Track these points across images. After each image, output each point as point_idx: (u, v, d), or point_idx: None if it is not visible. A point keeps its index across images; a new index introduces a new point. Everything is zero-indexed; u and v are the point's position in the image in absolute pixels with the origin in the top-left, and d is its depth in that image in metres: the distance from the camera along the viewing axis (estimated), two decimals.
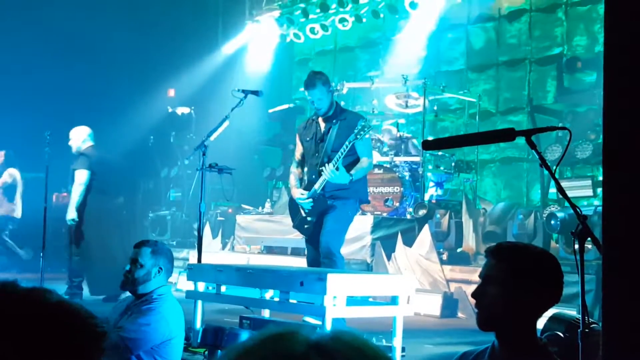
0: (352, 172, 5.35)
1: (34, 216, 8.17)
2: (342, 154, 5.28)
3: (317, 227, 5.49)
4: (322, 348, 0.82)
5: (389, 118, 9.67)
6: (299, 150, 5.76)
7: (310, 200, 5.45)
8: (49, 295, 1.13)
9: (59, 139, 7.63)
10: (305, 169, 5.70)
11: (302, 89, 5.96)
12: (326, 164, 5.33)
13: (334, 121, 5.48)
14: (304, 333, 0.84)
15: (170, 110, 11.68)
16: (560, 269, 2.13)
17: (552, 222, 6.80)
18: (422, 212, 8.04)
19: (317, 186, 5.40)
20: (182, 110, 11.64)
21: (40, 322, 1.08)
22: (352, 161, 5.42)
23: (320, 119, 5.58)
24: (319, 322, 4.06)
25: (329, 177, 5.29)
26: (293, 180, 5.68)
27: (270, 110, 11.35)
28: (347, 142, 5.26)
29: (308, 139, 5.61)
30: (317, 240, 5.45)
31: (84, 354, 1.10)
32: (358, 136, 5.22)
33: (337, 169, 5.25)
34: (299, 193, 5.52)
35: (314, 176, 5.48)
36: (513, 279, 2.08)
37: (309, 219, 5.52)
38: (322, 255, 5.30)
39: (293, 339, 0.83)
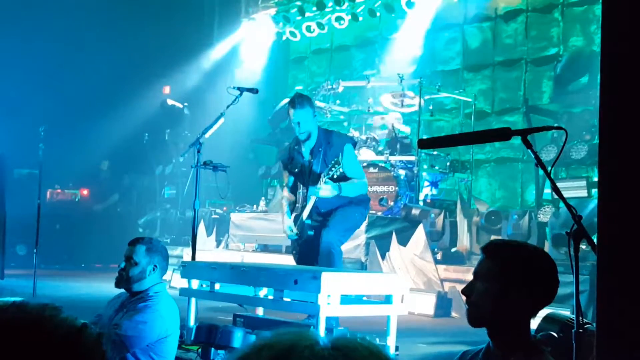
0: (342, 183, 5.08)
1: (27, 213, 8.13)
2: (327, 173, 5.01)
3: (305, 252, 5.34)
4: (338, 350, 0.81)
5: (385, 114, 9.67)
6: (287, 175, 5.55)
7: (296, 232, 5.28)
8: (48, 317, 1.10)
9: (53, 135, 7.60)
10: (299, 193, 5.45)
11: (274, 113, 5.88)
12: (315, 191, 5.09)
13: (319, 150, 5.17)
14: (302, 344, 0.82)
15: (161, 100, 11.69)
16: (554, 269, 2.12)
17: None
18: (403, 212, 8.11)
19: (304, 215, 5.21)
20: (172, 102, 11.62)
21: (37, 344, 1.06)
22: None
23: (304, 150, 5.27)
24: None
25: (317, 193, 5.03)
26: (285, 207, 5.45)
27: (270, 118, 11.32)
28: (332, 161, 5.00)
29: (296, 170, 5.37)
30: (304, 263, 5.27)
31: None
32: (339, 161, 4.97)
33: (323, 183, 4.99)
34: (286, 226, 5.34)
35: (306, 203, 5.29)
36: (501, 276, 2.07)
37: (293, 251, 5.47)
38: (321, 251, 5.11)
39: (291, 349, 0.82)
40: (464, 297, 2.17)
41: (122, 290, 3.59)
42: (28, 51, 10.57)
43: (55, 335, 1.06)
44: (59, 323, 1.08)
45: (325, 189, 5.03)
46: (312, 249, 5.21)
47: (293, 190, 5.51)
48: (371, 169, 8.48)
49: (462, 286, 2.19)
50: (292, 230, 5.30)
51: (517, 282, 2.06)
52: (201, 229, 9.38)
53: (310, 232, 5.25)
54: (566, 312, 4.05)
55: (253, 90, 5.87)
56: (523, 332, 2.10)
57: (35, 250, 7.03)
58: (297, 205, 5.43)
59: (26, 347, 1.04)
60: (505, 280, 2.06)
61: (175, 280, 7.58)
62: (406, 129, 9.41)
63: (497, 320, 2.08)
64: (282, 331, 0.85)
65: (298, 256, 5.46)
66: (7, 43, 10.35)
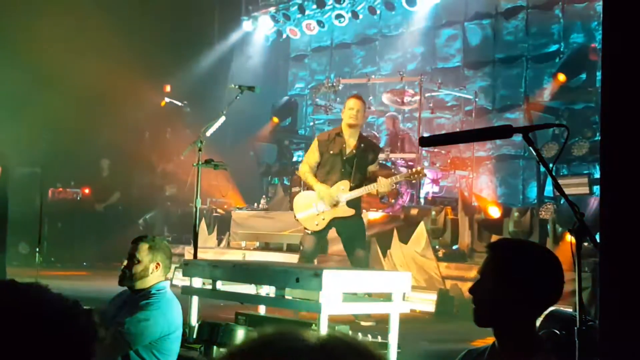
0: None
1: (29, 211, 8.14)
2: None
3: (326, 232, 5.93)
4: (324, 347, 0.82)
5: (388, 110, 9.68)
6: (315, 158, 5.97)
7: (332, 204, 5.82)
8: (44, 293, 1.11)
9: (54, 134, 7.61)
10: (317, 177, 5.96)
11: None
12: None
13: (361, 144, 5.93)
14: (304, 333, 0.84)
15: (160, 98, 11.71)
16: (559, 268, 2.11)
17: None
18: (402, 215, 8.13)
19: (349, 196, 5.81)
20: (169, 100, 11.61)
21: (36, 320, 1.06)
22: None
23: (346, 138, 5.89)
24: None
25: (385, 187, 5.75)
26: (314, 178, 5.90)
27: (277, 121, 11.33)
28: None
29: (332, 152, 5.88)
30: (320, 239, 5.94)
31: (78, 349, 1.10)
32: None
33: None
34: (322, 188, 5.82)
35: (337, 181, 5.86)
36: (507, 275, 2.07)
37: (322, 218, 5.80)
38: None
39: (294, 337, 0.83)
40: (468, 297, 2.17)
41: (125, 288, 3.60)
42: (30, 49, 10.57)
43: (49, 310, 1.07)
44: (51, 299, 1.09)
45: (388, 187, 5.80)
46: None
47: (314, 173, 5.97)
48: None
49: (464, 284, 2.20)
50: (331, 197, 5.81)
51: (523, 281, 2.05)
52: (202, 228, 9.38)
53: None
54: (569, 310, 4.04)
55: (253, 89, 5.88)
56: (529, 331, 2.09)
57: (37, 249, 7.04)
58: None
59: (20, 323, 1.05)
60: (511, 279, 2.05)
61: (177, 279, 7.58)
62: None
63: (504, 320, 2.07)
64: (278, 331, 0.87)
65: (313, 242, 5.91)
66: (9, 41, 10.35)
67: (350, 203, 5.84)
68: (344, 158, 5.84)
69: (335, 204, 5.78)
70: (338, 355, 0.82)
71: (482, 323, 2.11)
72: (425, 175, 6.79)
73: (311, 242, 5.89)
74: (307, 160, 6.04)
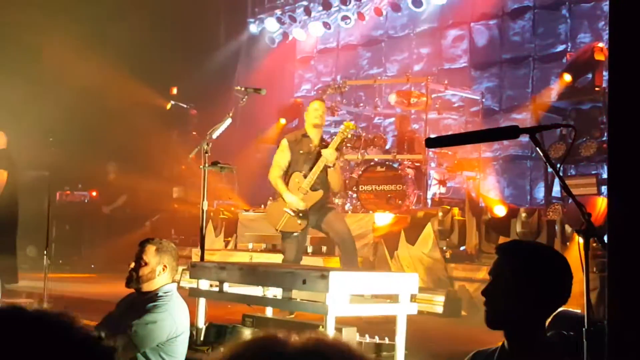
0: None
1: (37, 214, 8.17)
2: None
3: (314, 221, 6.09)
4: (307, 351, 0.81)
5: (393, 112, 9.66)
6: (286, 158, 6.12)
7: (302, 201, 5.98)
8: (70, 325, 1.10)
9: (61, 137, 7.63)
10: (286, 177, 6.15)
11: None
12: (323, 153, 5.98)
13: (322, 143, 6.14)
14: (285, 338, 0.83)
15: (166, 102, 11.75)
16: (568, 269, 2.12)
17: None
18: (408, 217, 8.14)
19: (305, 185, 5.98)
20: (175, 102, 11.63)
21: (58, 353, 1.06)
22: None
23: (312, 138, 6.11)
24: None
25: (329, 155, 5.91)
26: (284, 186, 6.05)
27: (284, 123, 11.35)
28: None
29: (301, 152, 6.08)
30: (301, 240, 6.15)
31: None
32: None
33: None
34: (291, 197, 5.98)
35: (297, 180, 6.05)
36: (518, 277, 2.07)
37: (301, 214, 5.96)
38: (350, 248, 6.05)
39: (273, 343, 0.82)
40: (476, 298, 2.18)
41: (132, 290, 3.60)
42: (36, 53, 10.61)
43: (71, 341, 1.06)
44: (76, 331, 1.08)
45: (333, 154, 5.95)
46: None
47: (285, 173, 6.18)
48: (378, 168, 8.48)
49: (472, 285, 2.20)
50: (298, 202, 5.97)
51: (533, 282, 2.06)
52: (209, 230, 9.38)
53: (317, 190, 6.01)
54: (577, 310, 4.02)
55: (260, 90, 5.89)
56: (538, 331, 2.10)
57: (45, 252, 7.05)
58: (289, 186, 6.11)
59: (43, 351, 1.04)
60: (521, 281, 2.06)
61: (184, 281, 7.59)
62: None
63: (515, 321, 2.08)
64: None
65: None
66: (16, 44, 10.39)
67: (316, 186, 6.00)
68: (310, 157, 6.07)
69: (305, 202, 5.97)
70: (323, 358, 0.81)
71: (494, 325, 2.11)
72: (355, 127, 7.02)
73: (293, 247, 6.04)
74: (278, 162, 6.15)
